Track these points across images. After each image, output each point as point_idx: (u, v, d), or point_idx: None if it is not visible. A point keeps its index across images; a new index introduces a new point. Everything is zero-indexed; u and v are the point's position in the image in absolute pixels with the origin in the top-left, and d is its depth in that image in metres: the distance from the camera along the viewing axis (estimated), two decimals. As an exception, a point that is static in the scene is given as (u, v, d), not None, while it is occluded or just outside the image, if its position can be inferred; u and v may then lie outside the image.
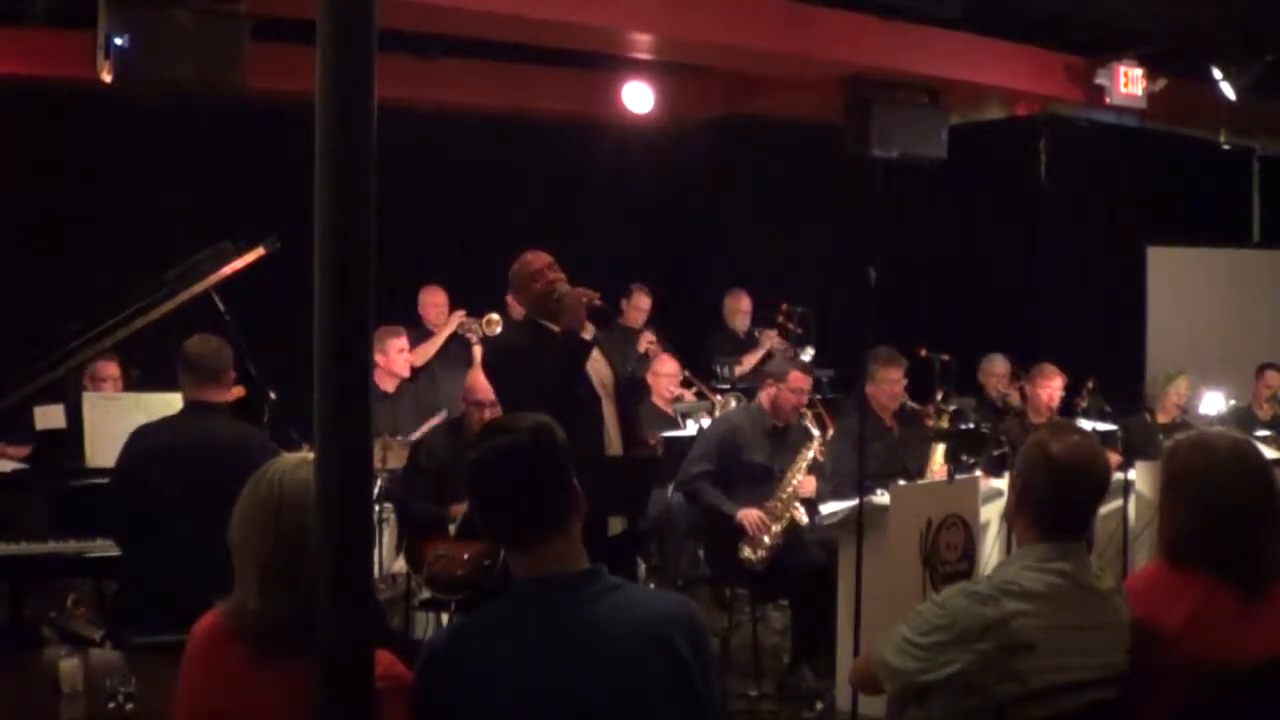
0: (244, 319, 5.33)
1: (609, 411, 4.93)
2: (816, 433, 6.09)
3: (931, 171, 8.72)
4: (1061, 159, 10.23)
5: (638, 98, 9.10)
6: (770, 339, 8.66)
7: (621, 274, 8.69)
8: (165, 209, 8.29)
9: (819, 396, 7.19)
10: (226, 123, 7.81)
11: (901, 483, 5.85)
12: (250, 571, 2.16)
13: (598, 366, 4.94)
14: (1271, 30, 7.74)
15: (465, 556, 5.07)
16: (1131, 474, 6.38)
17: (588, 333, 4.76)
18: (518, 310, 6.52)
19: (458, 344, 7.58)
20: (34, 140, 7.75)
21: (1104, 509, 5.73)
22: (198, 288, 5.23)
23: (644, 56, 8.20)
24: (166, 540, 4.07)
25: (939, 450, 6.33)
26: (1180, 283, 10.48)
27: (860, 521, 4.91)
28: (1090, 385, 7.61)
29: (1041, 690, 2.54)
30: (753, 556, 5.75)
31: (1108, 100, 8.54)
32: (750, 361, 8.56)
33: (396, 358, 7.10)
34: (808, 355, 8.08)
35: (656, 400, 7.66)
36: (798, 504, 5.89)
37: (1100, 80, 8.53)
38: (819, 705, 5.48)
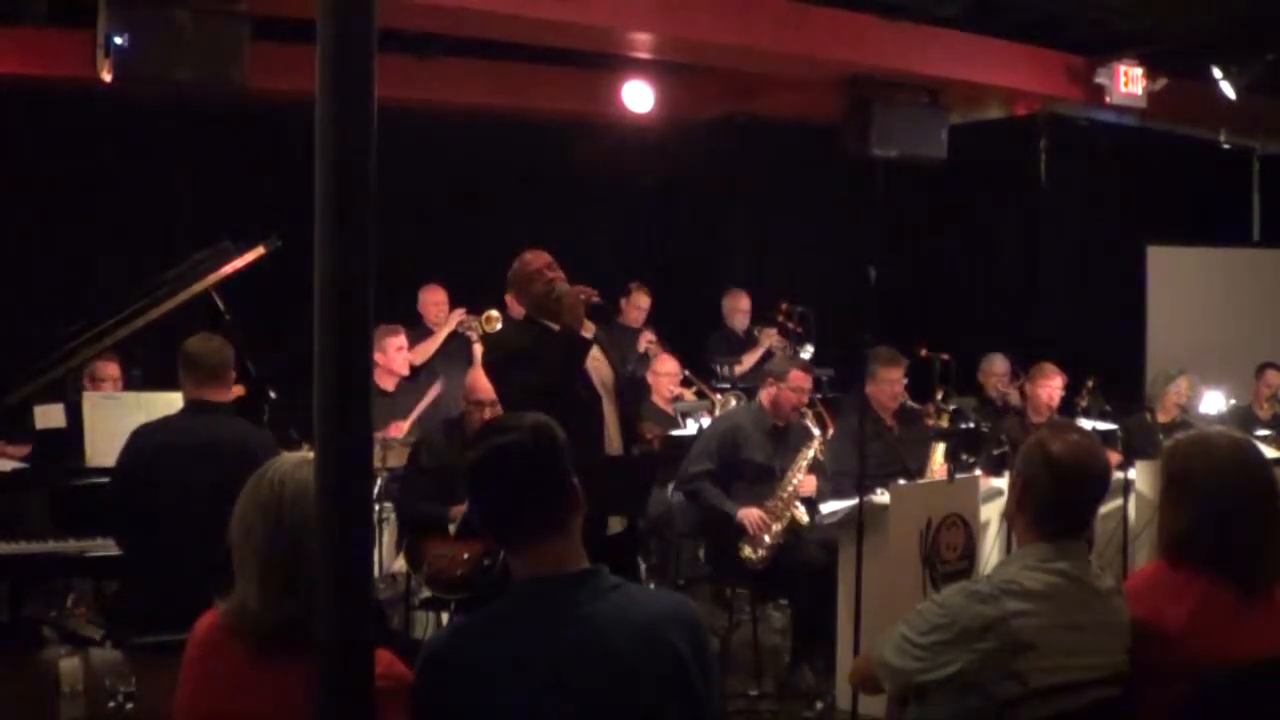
0: (244, 319, 5.33)
1: (609, 411, 4.94)
2: (817, 432, 6.09)
3: (931, 171, 8.72)
4: (1061, 159, 10.24)
5: (638, 98, 9.10)
6: (770, 338, 8.67)
7: (621, 274, 8.69)
8: (165, 209, 8.31)
9: (819, 396, 7.18)
10: (226, 123, 7.81)
11: (901, 482, 5.85)
12: (250, 571, 2.16)
13: (598, 366, 4.95)
14: (1272, 30, 7.74)
15: (465, 556, 5.07)
16: (1131, 474, 6.39)
17: (588, 331, 4.77)
18: (517, 310, 6.52)
19: (458, 342, 7.59)
20: (34, 140, 7.75)
21: (1104, 509, 5.74)
22: (198, 287, 5.22)
23: (644, 56, 8.20)
24: (166, 540, 4.07)
25: (939, 450, 6.33)
26: (1180, 283, 10.49)
27: (860, 521, 4.91)
28: (1090, 385, 7.61)
29: (1041, 690, 2.54)
30: (753, 556, 5.75)
31: (1108, 100, 8.53)
32: (750, 361, 8.57)
33: (396, 356, 7.10)
34: (807, 354, 8.08)
35: (656, 399, 7.66)
36: (798, 503, 5.89)
37: (1100, 80, 8.53)
38: (819, 705, 5.48)
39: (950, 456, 6.26)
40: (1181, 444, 2.85)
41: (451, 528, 5.14)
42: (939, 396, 7.62)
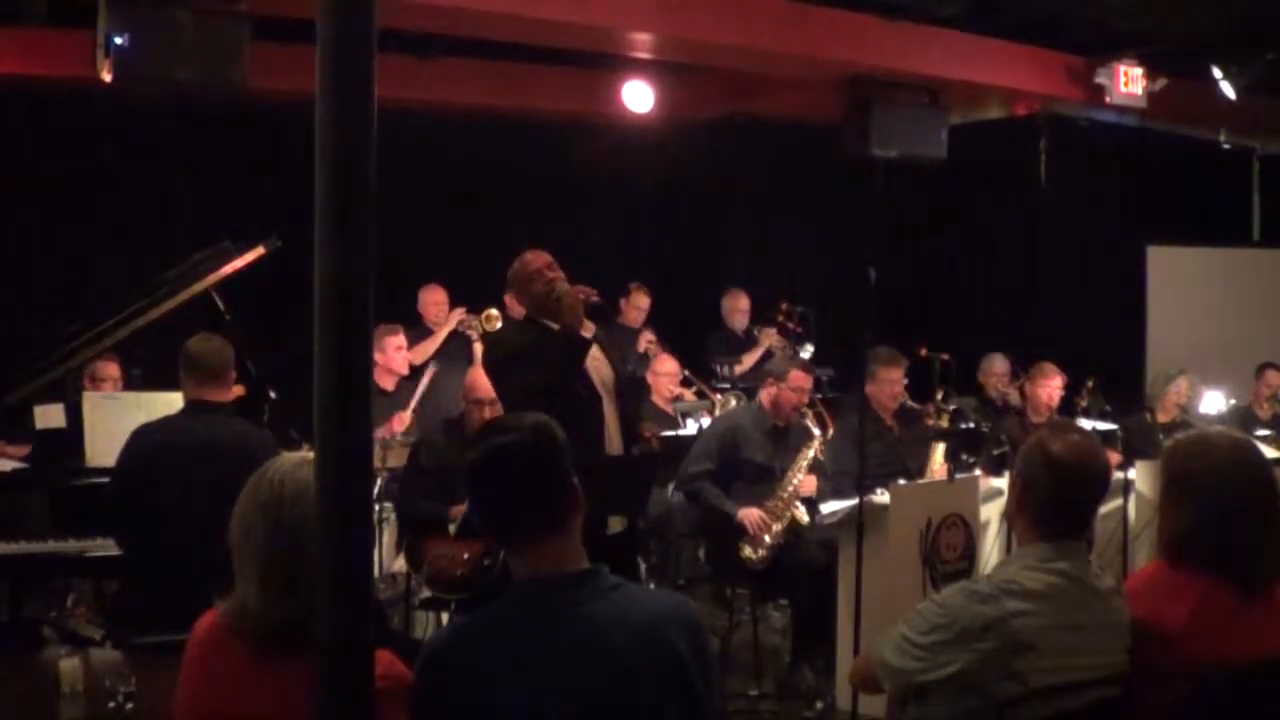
0: (244, 319, 5.33)
1: (609, 411, 4.94)
2: (817, 432, 6.09)
3: (931, 171, 8.72)
4: (1061, 159, 10.24)
5: (638, 98, 9.10)
6: (769, 338, 8.67)
7: (621, 274, 8.69)
8: (165, 209, 8.31)
9: (819, 396, 7.19)
10: (226, 123, 7.81)
11: (901, 482, 5.85)
12: (250, 571, 2.16)
13: (598, 365, 4.95)
14: (1272, 30, 7.74)
15: (465, 556, 5.07)
16: (1131, 474, 6.39)
17: (588, 331, 4.77)
18: (516, 309, 6.52)
19: (458, 342, 7.59)
20: (34, 140, 7.76)
21: (1104, 509, 5.74)
22: (198, 287, 5.22)
23: (644, 56, 8.20)
24: (167, 540, 4.07)
25: (939, 450, 6.33)
26: (1180, 283, 10.49)
27: (860, 521, 4.91)
28: (1090, 385, 7.62)
29: (1042, 690, 2.54)
30: (753, 556, 5.75)
31: (1108, 100, 8.53)
32: (750, 361, 8.57)
33: (395, 355, 7.10)
34: (806, 354, 8.08)
35: (656, 399, 7.66)
36: (798, 503, 5.89)
37: (1100, 80, 8.53)
38: (819, 705, 5.48)
39: (950, 456, 6.26)
40: (1181, 444, 2.85)
41: (451, 528, 5.14)
42: (939, 396, 7.62)
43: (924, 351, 7.70)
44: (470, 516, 4.32)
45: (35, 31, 7.13)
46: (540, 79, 9.02)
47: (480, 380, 5.36)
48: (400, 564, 5.58)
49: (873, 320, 6.00)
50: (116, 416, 4.85)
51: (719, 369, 8.42)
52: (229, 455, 3.96)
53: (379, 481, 6.01)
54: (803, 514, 5.89)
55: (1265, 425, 8.09)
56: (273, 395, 5.31)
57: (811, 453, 5.97)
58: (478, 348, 7.20)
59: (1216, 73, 8.35)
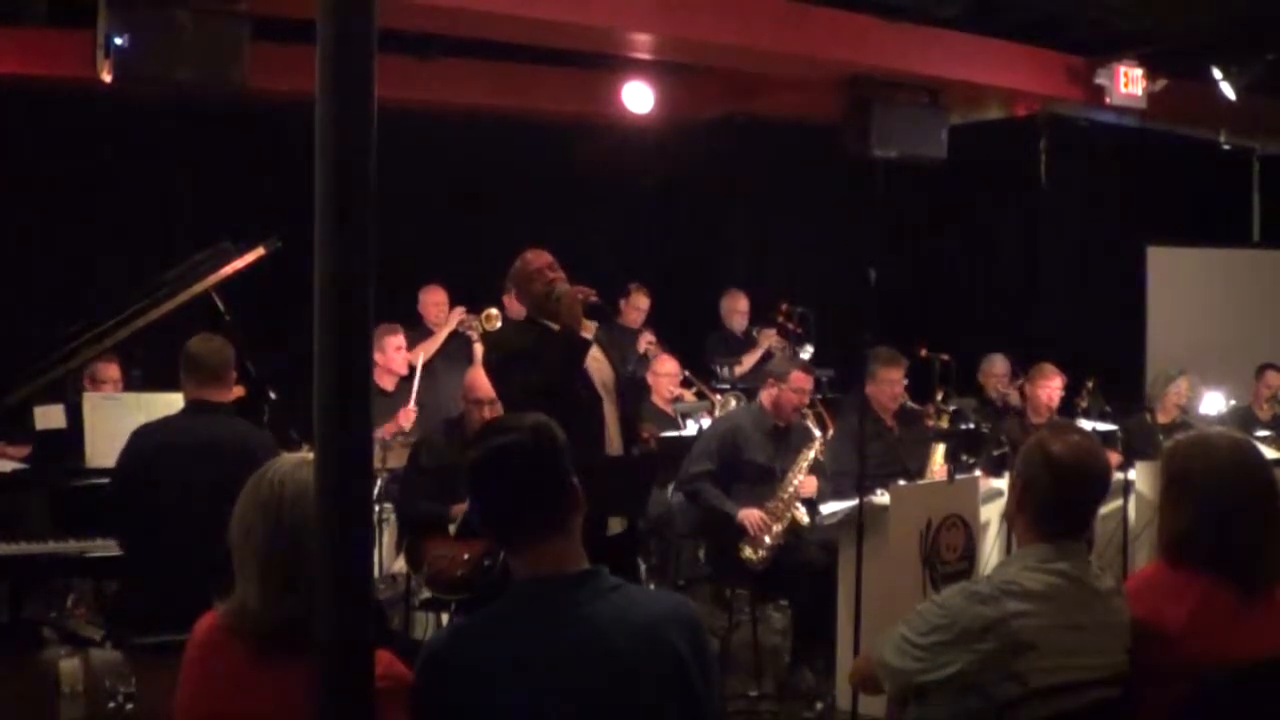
0: (244, 319, 5.33)
1: (609, 411, 4.94)
2: (818, 433, 6.09)
3: (931, 171, 8.72)
4: (1061, 159, 10.23)
5: (638, 98, 9.10)
6: (769, 338, 8.67)
7: (621, 274, 8.69)
8: (165, 209, 8.31)
9: (819, 396, 7.19)
10: (226, 123, 7.81)
11: (901, 483, 5.85)
12: (250, 572, 2.16)
13: (599, 366, 4.95)
14: (1272, 30, 7.74)
15: (465, 556, 5.07)
16: (1131, 474, 6.39)
17: (588, 331, 4.76)
18: (515, 309, 6.52)
19: (458, 342, 7.58)
20: (34, 140, 7.76)
21: (1104, 509, 5.73)
22: (198, 288, 5.22)
23: (644, 56, 8.20)
24: (166, 540, 4.07)
25: (939, 450, 6.33)
26: (1180, 283, 10.49)
27: (860, 521, 4.91)
28: (1090, 385, 7.62)
29: (1042, 690, 2.54)
30: (753, 556, 5.75)
31: (1108, 100, 8.53)
32: (750, 361, 8.57)
33: (394, 356, 7.11)
34: (806, 354, 8.08)
35: (656, 400, 7.66)
36: (799, 504, 5.89)
37: (1100, 80, 8.53)
38: (819, 705, 5.48)
39: (950, 457, 6.26)
40: (1181, 444, 2.85)
41: (451, 528, 5.14)
42: (939, 397, 7.62)
43: (924, 352, 7.70)
44: (470, 516, 4.32)
45: (35, 31, 7.12)
46: (540, 79, 9.02)
47: (480, 380, 5.36)
48: (400, 564, 5.58)
49: (873, 320, 6.01)
50: (116, 417, 4.85)
51: (719, 370, 8.42)
52: (229, 455, 3.97)
53: (379, 481, 6.01)
54: (803, 515, 5.89)
55: (1265, 426, 8.09)
56: (273, 395, 5.31)
57: (812, 454, 5.97)
58: (478, 348, 7.19)
59: (1216, 73, 8.35)
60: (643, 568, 6.44)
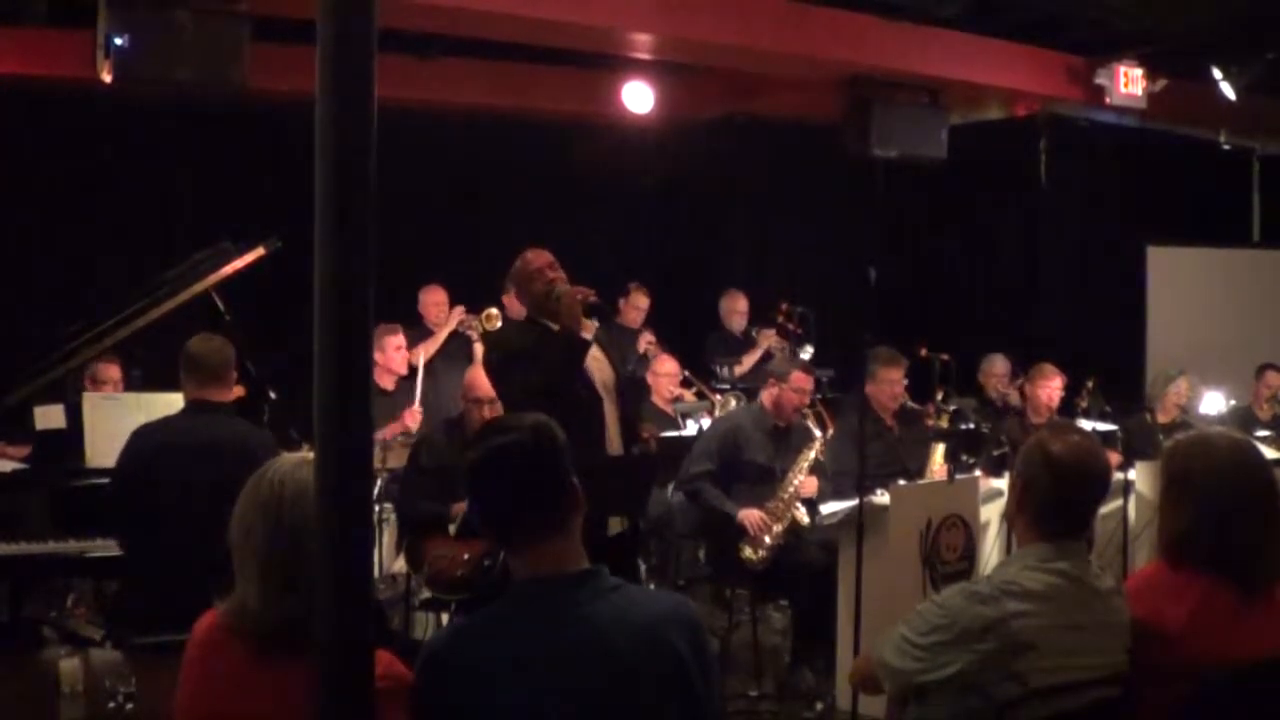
0: (244, 319, 5.33)
1: (610, 411, 4.94)
2: (818, 433, 6.09)
3: (931, 171, 8.72)
4: (1061, 159, 10.23)
5: (638, 98, 9.10)
6: (768, 339, 8.67)
7: (621, 274, 8.69)
8: (165, 209, 8.31)
9: (819, 396, 7.19)
10: (226, 123, 7.81)
11: (901, 483, 5.85)
12: (250, 571, 2.16)
13: (599, 366, 4.95)
14: (1272, 30, 7.74)
15: (465, 556, 5.07)
16: (1131, 474, 6.38)
17: (588, 331, 4.76)
18: (514, 308, 6.52)
19: (458, 342, 7.59)
20: (34, 140, 7.76)
21: (1104, 509, 5.73)
22: (198, 288, 5.22)
23: (644, 56, 8.20)
24: (166, 540, 4.07)
25: (939, 450, 6.33)
26: (1180, 283, 10.49)
27: (860, 521, 4.91)
28: (1090, 385, 7.61)
29: (1042, 690, 2.54)
30: (753, 556, 5.75)
31: (1108, 100, 8.53)
32: (749, 361, 8.57)
33: (394, 355, 7.11)
34: (806, 354, 8.08)
35: (656, 400, 7.66)
36: (799, 504, 5.89)
37: (1100, 80, 8.53)
38: (819, 705, 5.48)
39: (950, 457, 6.26)
40: (1181, 444, 2.85)
41: (451, 528, 5.14)
42: (939, 397, 7.63)
43: (924, 352, 7.70)
44: (470, 516, 4.31)
45: (35, 31, 7.12)
46: (540, 79, 9.02)
47: (480, 380, 5.36)
48: (400, 564, 5.58)
49: (873, 320, 6.01)
50: (116, 417, 4.86)
51: (718, 370, 8.42)
52: (229, 455, 3.97)
53: (379, 481, 6.01)
54: (803, 515, 5.89)
55: (1265, 426, 8.09)
56: (273, 395, 5.31)
57: (813, 454, 5.97)
58: (478, 348, 7.20)
59: (1216, 73, 8.35)
60: (643, 568, 6.43)
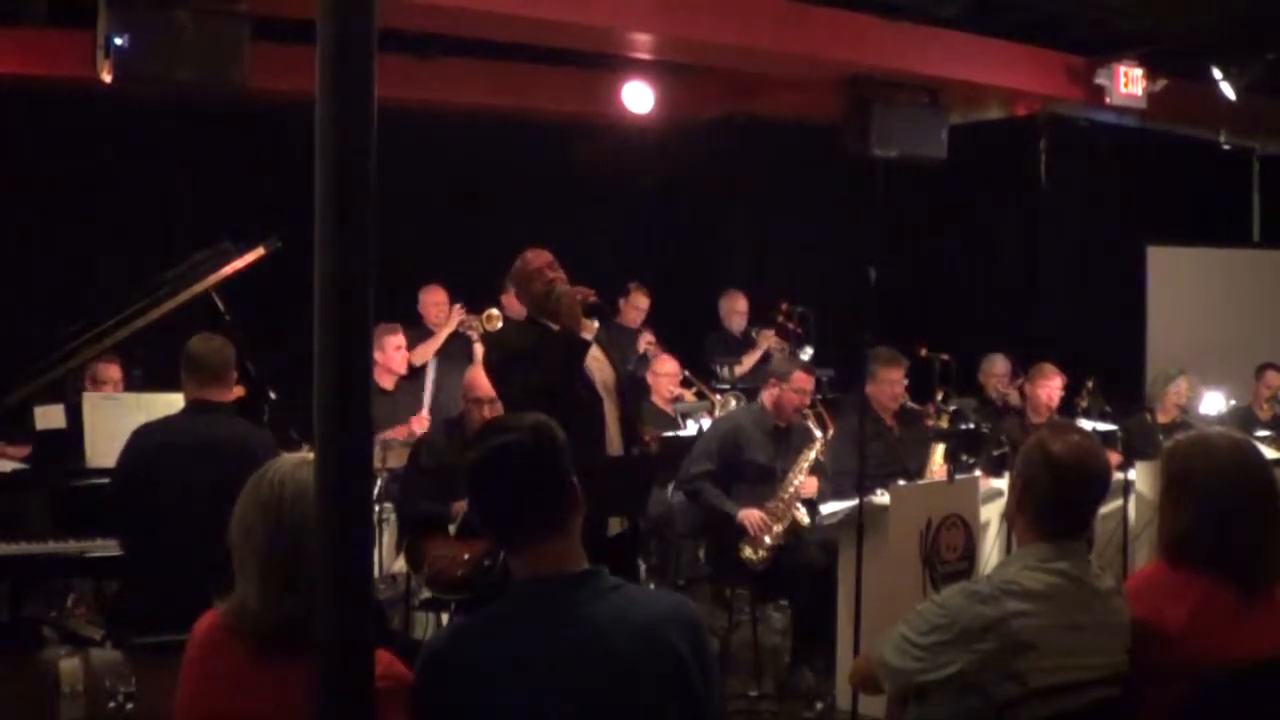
0: (244, 319, 5.33)
1: (610, 412, 4.94)
2: (819, 433, 6.09)
3: (931, 171, 8.72)
4: (1061, 159, 10.24)
5: (638, 98, 9.10)
6: (768, 339, 8.67)
7: (621, 274, 8.69)
8: (165, 209, 8.31)
9: (819, 396, 7.19)
10: (226, 123, 7.81)
11: (901, 483, 5.85)
12: (250, 571, 2.16)
13: (600, 366, 4.95)
14: (1272, 30, 7.74)
15: (465, 556, 5.07)
16: (1131, 474, 6.38)
17: (589, 331, 4.76)
18: (514, 307, 6.52)
19: (458, 342, 7.59)
20: (34, 140, 7.76)
21: (1104, 509, 5.74)
22: (198, 288, 5.23)
23: (644, 56, 8.20)
24: (166, 540, 4.07)
25: (939, 450, 6.33)
26: (1180, 283, 10.49)
27: (860, 521, 4.91)
28: (1090, 385, 7.61)
29: (1042, 690, 2.54)
30: (753, 556, 5.75)
31: (1108, 100, 8.53)
32: (749, 362, 8.57)
33: (394, 355, 7.11)
34: (806, 355, 8.08)
35: (656, 400, 7.66)
36: (799, 504, 5.89)
37: (1100, 80, 8.53)
38: (819, 705, 5.48)
39: (950, 457, 6.26)
40: (1181, 444, 2.85)
41: (452, 527, 5.14)
42: (939, 397, 7.63)
43: (924, 352, 7.70)
44: (470, 516, 4.32)
45: (35, 31, 7.12)
46: (540, 79, 9.03)
47: (480, 379, 5.36)
48: (400, 564, 5.57)
49: (873, 320, 6.01)
50: (116, 417, 4.85)
51: (719, 370, 8.42)
52: (229, 455, 3.97)
53: (379, 481, 6.01)
54: (803, 515, 5.89)
55: (1265, 426, 8.08)
56: (273, 395, 5.31)
57: (813, 454, 5.97)
58: (478, 348, 7.20)
59: (1216, 73, 8.35)
60: (643, 568, 6.44)
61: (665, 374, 7.76)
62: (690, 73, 9.05)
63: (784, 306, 8.59)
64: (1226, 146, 10.39)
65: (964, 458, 6.42)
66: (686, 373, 7.97)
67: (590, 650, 2.12)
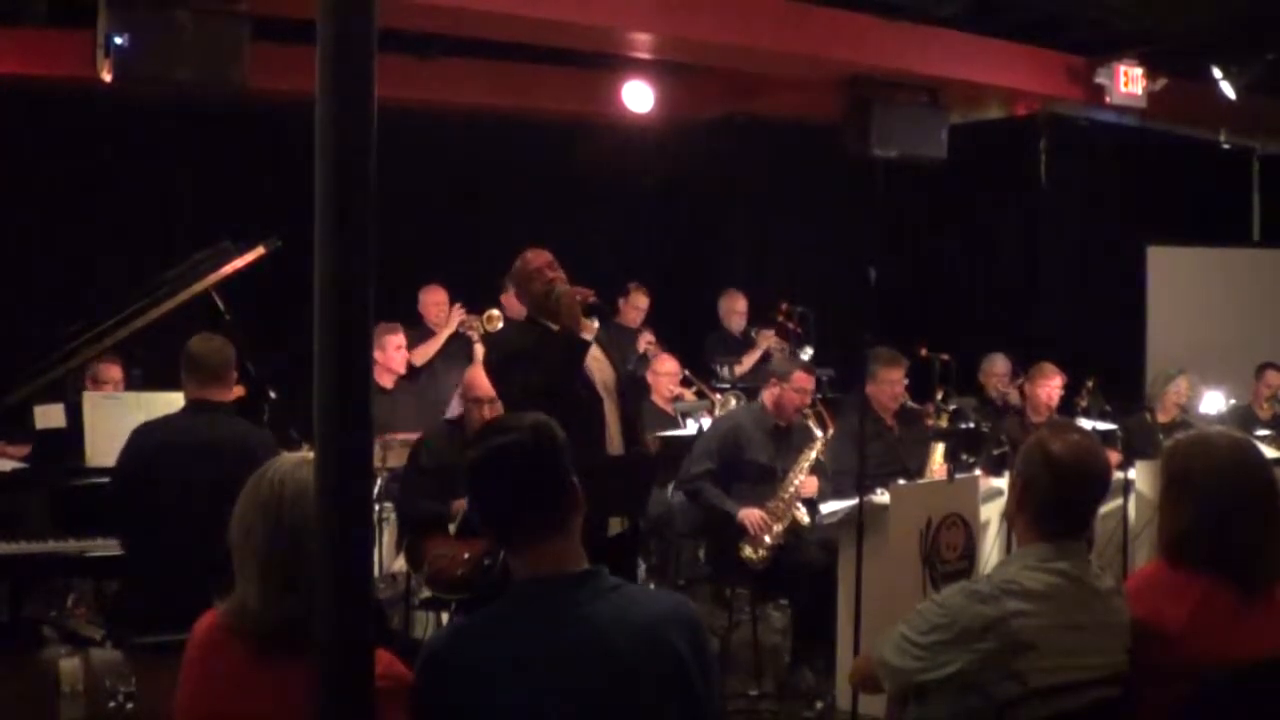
0: (244, 319, 5.34)
1: (610, 411, 4.94)
2: (819, 433, 6.08)
3: (931, 171, 8.72)
4: (1061, 159, 10.24)
5: (638, 98, 9.10)
6: (767, 339, 8.67)
7: (621, 274, 8.69)
8: (165, 209, 8.31)
9: (819, 396, 7.19)
10: (226, 123, 7.81)
11: (901, 482, 5.85)
12: (250, 571, 2.16)
13: (600, 366, 4.95)
14: (1272, 30, 7.74)
15: (465, 556, 5.07)
16: (1131, 474, 6.39)
17: (589, 331, 4.76)
18: (513, 307, 6.52)
19: (458, 342, 7.59)
20: (34, 140, 7.76)
21: (1104, 509, 5.74)
22: (198, 287, 5.23)
23: (644, 56, 8.20)
24: (166, 540, 4.08)
25: (939, 450, 6.33)
26: (1180, 283, 10.49)
27: (860, 521, 4.91)
28: (1090, 385, 7.61)
29: (1041, 690, 2.54)
30: (753, 556, 5.75)
31: (1108, 100, 8.53)
32: (750, 361, 8.57)
33: (394, 355, 7.11)
34: (806, 355, 8.08)
35: (656, 400, 7.66)
36: (799, 504, 5.89)
37: (1100, 80, 8.53)
38: (819, 705, 5.48)
39: (950, 456, 6.26)
40: (1181, 444, 2.85)
41: (451, 527, 5.14)
42: (939, 396, 7.62)
43: (924, 351, 7.70)
44: (470, 516, 4.32)
45: (35, 31, 7.12)
46: (541, 79, 9.03)
47: (479, 379, 5.36)
48: (400, 564, 5.58)
49: (873, 320, 6.01)
50: (116, 416, 4.86)
51: (719, 369, 8.42)
52: (229, 455, 3.97)
53: (379, 481, 6.01)
54: (804, 515, 5.89)
55: (1265, 425, 8.08)
56: (273, 395, 5.31)
57: (813, 454, 5.97)
58: (478, 348, 7.20)
59: (1216, 73, 8.35)
60: (643, 568, 6.44)
61: (665, 374, 7.76)
62: (690, 73, 9.05)
63: (784, 306, 8.59)
64: (1226, 146, 10.39)
65: (964, 457, 6.42)
66: (686, 372, 7.97)
67: (590, 650, 2.12)
